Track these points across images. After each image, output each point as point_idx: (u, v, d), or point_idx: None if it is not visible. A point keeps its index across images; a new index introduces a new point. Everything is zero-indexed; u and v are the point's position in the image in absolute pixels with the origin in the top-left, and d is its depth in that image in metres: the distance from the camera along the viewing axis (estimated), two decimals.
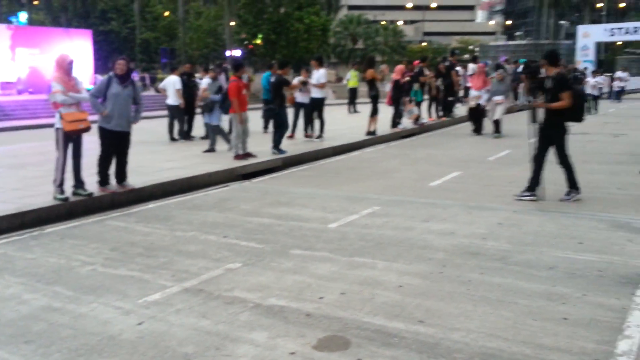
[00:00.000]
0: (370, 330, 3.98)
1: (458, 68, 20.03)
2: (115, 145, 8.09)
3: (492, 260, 5.40)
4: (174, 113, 14.16)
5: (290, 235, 6.35)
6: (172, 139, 14.24)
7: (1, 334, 4.04)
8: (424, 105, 18.29)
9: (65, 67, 7.67)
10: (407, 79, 15.94)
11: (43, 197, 7.60)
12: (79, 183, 7.80)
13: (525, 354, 3.60)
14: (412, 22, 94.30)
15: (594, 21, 53.98)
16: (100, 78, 8.03)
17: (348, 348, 3.74)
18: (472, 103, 15.45)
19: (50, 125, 8.45)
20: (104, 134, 8.03)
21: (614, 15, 61.33)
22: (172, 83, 14.06)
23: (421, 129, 17.00)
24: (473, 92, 15.43)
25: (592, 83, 22.66)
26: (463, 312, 4.25)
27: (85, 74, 12.81)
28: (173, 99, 13.98)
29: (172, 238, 6.33)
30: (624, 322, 4.02)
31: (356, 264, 5.37)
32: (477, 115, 15.65)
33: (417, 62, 17.95)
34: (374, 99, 15.30)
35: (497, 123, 14.90)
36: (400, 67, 16.32)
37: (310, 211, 7.44)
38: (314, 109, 14.02)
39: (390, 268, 5.25)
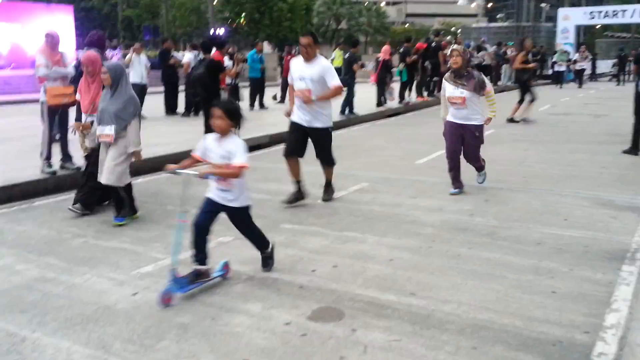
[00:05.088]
0: (363, 302, 4.04)
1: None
2: None
3: (480, 235, 5.50)
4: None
5: (281, 210, 6.38)
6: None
7: None
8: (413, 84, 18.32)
9: (50, 42, 7.58)
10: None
11: (31, 170, 7.53)
12: (66, 157, 7.74)
13: (516, 325, 3.68)
14: (395, 3, 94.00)
15: (574, 4, 54.14)
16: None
17: (342, 319, 3.80)
18: (87, 143, 6.32)
19: (34, 101, 8.34)
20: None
21: None
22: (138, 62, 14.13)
23: (406, 108, 17.06)
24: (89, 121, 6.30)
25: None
26: (453, 285, 4.33)
27: (67, 50, 12.62)
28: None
29: (162, 212, 6.32)
30: (611, 296, 4.12)
31: (346, 238, 5.43)
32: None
33: (421, 44, 18.03)
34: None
35: (117, 191, 5.94)
36: (386, 47, 16.33)
37: None
38: None
39: (380, 242, 5.32)
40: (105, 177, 5.73)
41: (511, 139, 11.51)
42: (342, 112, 14.68)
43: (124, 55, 15.36)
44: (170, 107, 15.08)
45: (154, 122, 13.49)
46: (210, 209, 4.35)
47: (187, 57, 14.56)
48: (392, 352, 3.36)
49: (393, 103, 16.91)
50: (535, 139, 11.54)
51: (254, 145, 10.59)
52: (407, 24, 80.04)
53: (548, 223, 5.87)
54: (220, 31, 41.69)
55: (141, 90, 14.03)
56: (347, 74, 14.88)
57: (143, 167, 8.43)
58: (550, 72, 29.92)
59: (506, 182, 7.68)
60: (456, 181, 7.10)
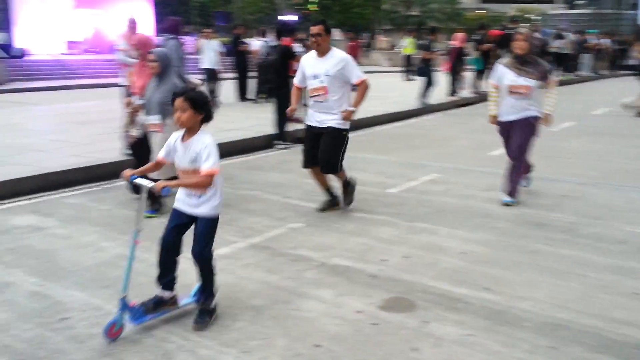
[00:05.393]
0: (435, 294, 3.99)
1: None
2: None
3: (558, 231, 5.31)
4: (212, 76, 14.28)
5: None
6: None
7: (82, 278, 4.26)
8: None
9: (130, 27, 7.89)
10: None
11: (112, 152, 7.84)
12: None
13: (597, 326, 3.55)
14: None
15: None
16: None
17: (414, 310, 3.77)
18: (135, 130, 6.14)
19: (115, 85, 8.64)
20: None
21: None
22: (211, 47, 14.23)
23: (479, 97, 16.63)
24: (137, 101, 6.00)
25: None
26: (529, 282, 4.21)
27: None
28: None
29: (235, 197, 6.45)
30: None
31: (418, 229, 5.38)
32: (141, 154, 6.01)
33: (498, 31, 17.55)
34: None
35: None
36: (461, 35, 15.98)
37: (369, 176, 7.44)
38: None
39: (452, 235, 5.23)
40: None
41: (593, 131, 11.04)
42: (421, 97, 14.49)
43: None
44: (242, 94, 15.33)
45: (226, 107, 13.72)
46: (177, 222, 3.64)
47: (256, 43, 14.76)
48: (466, 347, 3.31)
49: (465, 92, 16.55)
50: (618, 132, 11.03)
51: None
52: (483, 11, 77.79)
53: (632, 221, 5.60)
54: (293, 18, 41.98)
55: (211, 75, 14.27)
56: (422, 62, 14.90)
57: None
58: (630, 62, 28.38)
59: (586, 177, 7.39)
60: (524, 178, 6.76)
